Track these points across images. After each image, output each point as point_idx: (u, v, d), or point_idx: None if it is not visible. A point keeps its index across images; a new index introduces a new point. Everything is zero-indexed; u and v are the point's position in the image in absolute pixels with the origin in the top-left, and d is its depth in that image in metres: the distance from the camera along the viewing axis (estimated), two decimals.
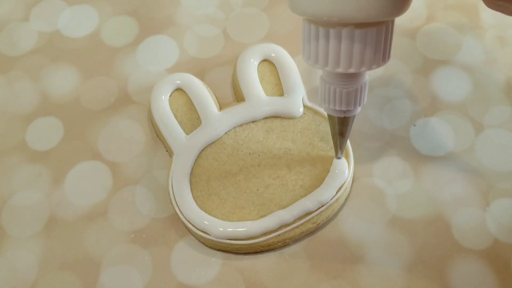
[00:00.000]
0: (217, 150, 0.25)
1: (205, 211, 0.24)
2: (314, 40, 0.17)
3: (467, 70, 0.28)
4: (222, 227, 0.23)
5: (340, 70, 0.17)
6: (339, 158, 0.24)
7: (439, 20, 0.30)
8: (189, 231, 0.24)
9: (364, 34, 0.16)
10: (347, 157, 0.25)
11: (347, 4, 0.15)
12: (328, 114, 0.21)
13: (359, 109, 0.20)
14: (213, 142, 0.25)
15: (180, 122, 0.26)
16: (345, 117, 0.20)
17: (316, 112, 0.26)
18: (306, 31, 0.17)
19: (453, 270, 0.23)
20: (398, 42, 0.29)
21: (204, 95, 0.26)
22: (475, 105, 0.27)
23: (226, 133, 0.25)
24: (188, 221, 0.23)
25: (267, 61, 0.27)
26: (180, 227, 0.24)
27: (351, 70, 0.17)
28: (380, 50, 0.17)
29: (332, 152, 0.25)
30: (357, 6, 0.15)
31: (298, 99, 0.26)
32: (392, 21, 0.17)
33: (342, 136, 0.22)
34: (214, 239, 0.23)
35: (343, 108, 0.19)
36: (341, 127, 0.21)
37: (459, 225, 0.24)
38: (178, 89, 0.27)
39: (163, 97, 0.26)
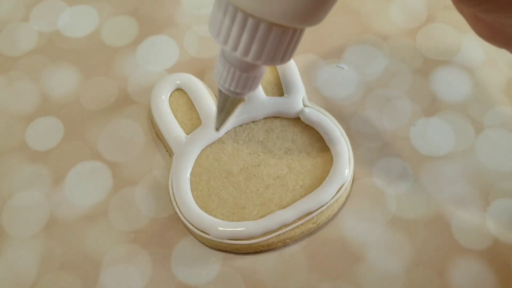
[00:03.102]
0: (217, 150, 0.25)
1: (205, 211, 0.24)
2: (228, 21, 0.16)
3: (467, 70, 0.28)
4: (222, 227, 0.23)
5: (248, 59, 0.17)
6: (217, 129, 0.23)
7: (439, 20, 0.30)
8: (189, 231, 0.24)
9: (280, 33, 0.16)
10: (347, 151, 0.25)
11: (274, 4, 0.15)
12: (219, 90, 0.21)
13: (249, 93, 0.20)
14: (213, 142, 0.25)
15: (180, 122, 0.26)
16: (234, 97, 0.21)
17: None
18: (221, 7, 0.17)
19: (453, 270, 0.23)
20: (398, 42, 0.29)
21: (204, 95, 0.26)
22: (475, 105, 0.27)
23: (226, 133, 0.25)
24: (188, 221, 0.23)
25: None
26: (180, 227, 0.24)
27: (259, 62, 0.17)
28: (289, 50, 0.17)
29: (332, 153, 0.25)
30: (284, 9, 0.15)
31: (298, 99, 0.26)
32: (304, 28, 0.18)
33: (227, 113, 0.22)
34: (214, 239, 0.23)
35: (238, 91, 0.19)
36: (227, 104, 0.21)
37: (459, 225, 0.24)
38: (178, 89, 0.27)
39: (163, 97, 0.26)
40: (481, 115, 0.27)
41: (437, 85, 0.28)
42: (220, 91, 0.21)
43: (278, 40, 0.16)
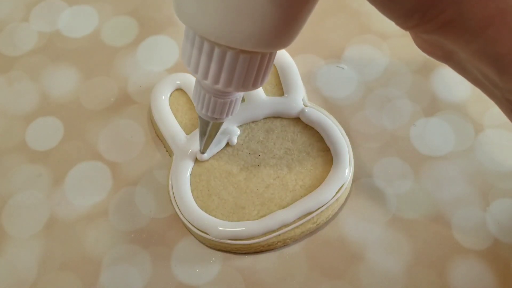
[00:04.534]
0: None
1: (205, 211, 0.24)
2: (196, 51, 0.16)
3: None
4: (222, 227, 0.23)
5: (219, 87, 0.17)
6: (202, 153, 0.24)
7: None
8: (189, 231, 0.24)
9: (248, 59, 0.16)
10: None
11: (237, 30, 0.15)
12: (199, 115, 0.21)
13: (228, 118, 0.21)
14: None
15: (180, 122, 0.26)
16: (214, 122, 0.21)
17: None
18: (189, 38, 0.17)
19: (453, 270, 0.23)
20: (398, 42, 0.29)
21: None
22: (475, 105, 0.27)
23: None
24: (188, 221, 0.23)
25: None
26: (180, 227, 0.24)
27: (230, 90, 0.17)
28: (260, 75, 0.17)
29: (332, 153, 0.25)
30: (247, 34, 0.15)
31: (298, 99, 0.26)
32: (275, 52, 0.17)
33: (209, 137, 0.23)
34: (214, 239, 0.23)
35: (215, 116, 0.20)
36: (209, 128, 0.22)
37: (459, 225, 0.24)
38: (178, 89, 0.27)
39: (163, 97, 0.26)
40: (481, 115, 0.27)
41: (437, 85, 0.28)
42: (200, 117, 0.21)
43: (247, 66, 0.16)
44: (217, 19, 0.15)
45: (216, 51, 0.16)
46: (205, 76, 0.17)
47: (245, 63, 0.16)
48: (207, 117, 0.20)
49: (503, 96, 0.16)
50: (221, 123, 0.22)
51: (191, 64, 0.17)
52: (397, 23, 0.15)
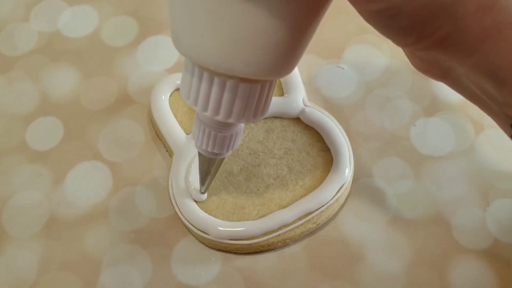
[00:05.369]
0: None
1: (205, 211, 0.24)
2: (196, 82, 0.16)
3: None
4: (222, 227, 0.23)
5: (219, 118, 0.17)
6: (202, 193, 0.24)
7: None
8: (189, 231, 0.24)
9: (248, 88, 0.16)
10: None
11: (236, 58, 0.15)
12: (198, 153, 0.21)
13: (229, 153, 0.20)
14: None
15: (180, 122, 0.26)
16: (214, 158, 0.20)
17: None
18: (189, 69, 0.16)
19: (453, 270, 0.23)
20: None
21: None
22: (475, 105, 0.27)
23: None
24: (188, 221, 0.23)
25: None
26: (180, 227, 0.24)
27: (230, 121, 0.17)
28: (260, 106, 0.17)
29: (332, 153, 0.25)
30: (246, 61, 0.15)
31: (298, 99, 0.26)
32: (275, 80, 0.17)
33: (209, 174, 0.22)
34: (214, 239, 0.23)
35: (216, 151, 0.19)
36: (209, 165, 0.21)
37: (459, 225, 0.24)
38: (178, 89, 0.27)
39: (163, 97, 0.26)
40: (481, 115, 0.27)
41: (437, 85, 0.28)
42: (199, 154, 0.21)
43: (247, 96, 0.16)
44: (215, 48, 0.15)
45: (216, 81, 0.16)
46: (205, 108, 0.16)
47: (245, 92, 0.16)
48: (208, 153, 0.20)
49: (501, 111, 0.16)
50: (222, 160, 0.21)
51: (190, 97, 0.17)
52: (395, 41, 0.15)
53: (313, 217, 0.23)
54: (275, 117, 0.26)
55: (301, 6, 0.14)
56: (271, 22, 0.14)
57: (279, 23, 0.14)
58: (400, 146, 0.26)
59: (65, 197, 0.25)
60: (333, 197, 0.24)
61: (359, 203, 0.25)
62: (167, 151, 0.26)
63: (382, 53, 0.29)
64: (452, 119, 0.27)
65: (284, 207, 0.24)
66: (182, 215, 0.24)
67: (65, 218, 0.25)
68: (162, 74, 0.28)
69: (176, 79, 0.27)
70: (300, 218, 0.23)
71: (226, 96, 0.16)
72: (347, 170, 0.24)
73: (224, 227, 0.23)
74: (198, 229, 0.23)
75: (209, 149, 0.19)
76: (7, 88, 0.29)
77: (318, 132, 0.25)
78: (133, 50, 0.29)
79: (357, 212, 0.25)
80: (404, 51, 0.18)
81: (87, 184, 0.26)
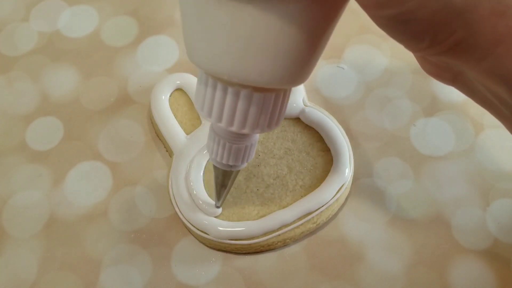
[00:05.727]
0: None
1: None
2: (210, 93, 0.16)
3: None
4: (222, 227, 0.23)
5: (233, 129, 0.16)
6: (217, 207, 0.23)
7: None
8: (189, 231, 0.24)
9: (262, 98, 0.16)
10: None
11: (250, 66, 0.15)
12: (214, 166, 0.20)
13: (244, 165, 0.20)
14: None
15: (180, 122, 0.26)
16: (229, 170, 0.20)
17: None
18: (202, 81, 0.16)
19: (453, 270, 0.23)
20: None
21: None
22: (475, 105, 0.27)
23: None
24: (188, 221, 0.23)
25: None
26: (180, 227, 0.24)
27: (245, 131, 0.17)
28: (275, 115, 0.17)
29: (332, 153, 0.25)
30: (260, 70, 0.15)
31: (298, 99, 0.26)
32: (290, 88, 0.17)
33: (224, 187, 0.21)
34: (214, 239, 0.23)
35: (230, 163, 0.19)
36: (224, 178, 0.21)
37: (459, 225, 0.24)
38: (178, 89, 0.27)
39: (163, 97, 0.26)
40: (481, 115, 0.27)
41: (437, 85, 0.28)
42: (214, 166, 0.20)
43: (261, 105, 0.16)
44: (229, 57, 0.15)
45: (230, 90, 0.16)
46: (219, 119, 0.16)
47: (259, 102, 0.16)
48: (223, 166, 0.20)
49: None
50: (237, 172, 0.21)
51: (204, 108, 0.17)
52: (408, 46, 0.15)
53: (313, 217, 0.23)
54: None
55: (317, 14, 0.14)
56: (285, 30, 0.14)
57: (294, 31, 0.14)
58: (400, 146, 0.26)
59: (65, 197, 0.25)
60: (333, 197, 0.24)
61: (359, 203, 0.25)
62: (167, 151, 0.26)
63: (382, 53, 0.29)
64: (452, 119, 0.27)
65: (284, 207, 0.24)
66: (182, 215, 0.24)
67: (65, 218, 0.25)
68: (162, 74, 0.28)
69: (176, 79, 0.27)
70: (300, 218, 0.23)
71: (240, 106, 0.16)
72: (347, 170, 0.24)
73: (224, 227, 0.23)
74: (198, 229, 0.23)
75: (224, 161, 0.19)
76: (7, 88, 0.29)
77: (318, 132, 0.25)
78: (133, 50, 0.29)
79: (357, 212, 0.25)
80: (414, 55, 0.18)
81: (87, 184, 0.26)
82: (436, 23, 0.14)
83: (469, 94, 0.18)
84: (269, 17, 0.14)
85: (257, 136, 0.19)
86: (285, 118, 0.26)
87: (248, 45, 0.14)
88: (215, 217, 0.23)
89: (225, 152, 0.19)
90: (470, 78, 0.16)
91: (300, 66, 0.15)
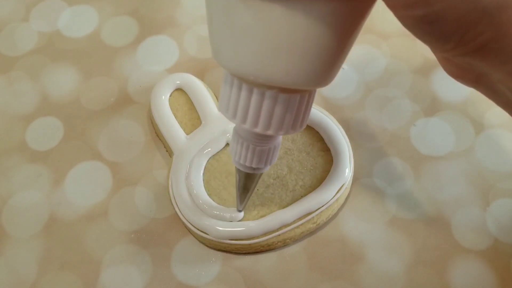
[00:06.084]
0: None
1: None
2: (235, 94, 0.16)
3: None
4: (222, 227, 0.23)
5: (258, 130, 0.16)
6: (239, 211, 0.23)
7: None
8: (189, 231, 0.24)
9: (287, 99, 0.16)
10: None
11: (276, 67, 0.15)
12: (236, 168, 0.20)
13: (267, 167, 0.20)
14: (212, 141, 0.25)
15: (180, 122, 0.26)
16: (253, 173, 0.20)
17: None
18: (227, 82, 0.16)
19: (453, 270, 0.23)
20: (398, 42, 0.29)
21: (204, 95, 0.26)
22: (475, 105, 0.27)
23: (227, 135, 0.25)
24: (188, 221, 0.23)
25: None
26: (180, 227, 0.24)
27: (269, 133, 0.17)
28: (300, 117, 0.17)
29: (332, 153, 0.25)
30: (286, 70, 0.15)
31: None
32: (315, 90, 0.17)
33: (247, 190, 0.21)
34: (214, 239, 0.23)
35: (254, 165, 0.19)
36: (246, 181, 0.21)
37: (459, 225, 0.24)
38: (178, 89, 0.27)
39: (163, 97, 0.26)
40: (481, 115, 0.27)
41: (437, 85, 0.28)
42: (237, 169, 0.20)
43: (286, 107, 0.16)
44: (255, 58, 0.15)
45: (255, 91, 0.16)
46: (244, 120, 0.16)
47: (284, 103, 0.16)
48: (246, 168, 0.20)
49: None
50: (260, 175, 0.21)
51: (229, 110, 0.17)
52: (434, 47, 0.15)
53: (313, 217, 0.23)
54: None
55: (345, 15, 0.14)
56: (313, 30, 0.14)
57: (321, 31, 0.14)
58: (400, 146, 0.26)
59: (65, 197, 0.25)
60: (333, 197, 0.24)
61: (359, 203, 0.25)
62: (167, 151, 0.26)
63: (382, 53, 0.29)
64: (452, 119, 0.27)
65: (284, 207, 0.24)
66: (182, 215, 0.24)
67: (65, 218, 0.25)
68: (162, 74, 0.28)
69: (176, 79, 0.27)
70: (300, 218, 0.23)
71: (265, 107, 0.16)
72: (347, 170, 0.24)
73: (224, 227, 0.23)
74: (198, 229, 0.23)
75: (247, 164, 0.19)
76: (7, 88, 0.29)
77: (318, 132, 0.25)
78: (133, 50, 0.29)
79: (357, 212, 0.25)
80: (436, 56, 0.17)
81: (87, 184, 0.26)
82: (464, 24, 0.14)
83: (492, 96, 0.18)
84: (296, 17, 0.13)
85: (281, 138, 0.19)
86: None
87: (275, 45, 0.14)
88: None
89: (249, 154, 0.19)
90: (494, 80, 0.16)
91: (326, 67, 0.15)
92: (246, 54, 0.15)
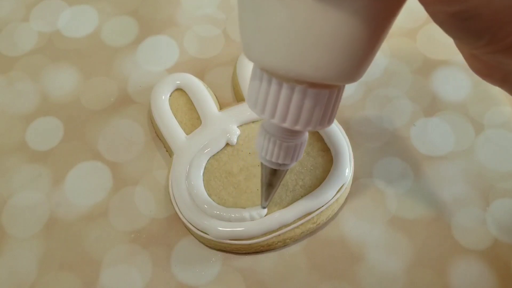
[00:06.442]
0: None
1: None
2: (264, 89, 0.16)
3: (467, 70, 0.28)
4: (222, 227, 0.23)
5: (286, 125, 0.16)
6: (263, 207, 0.23)
7: None
8: (189, 231, 0.24)
9: (316, 94, 0.16)
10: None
11: (306, 61, 0.15)
12: (261, 164, 0.20)
13: (293, 164, 0.20)
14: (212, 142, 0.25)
15: (180, 122, 0.26)
16: (278, 169, 0.20)
17: None
18: (257, 76, 0.16)
19: (453, 270, 0.23)
20: (398, 42, 0.29)
21: (204, 95, 0.26)
22: (475, 105, 0.27)
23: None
24: (188, 221, 0.23)
25: None
26: (180, 227, 0.24)
27: (297, 128, 0.17)
28: (328, 113, 0.17)
29: (332, 153, 0.25)
30: (316, 65, 0.15)
31: None
32: (344, 86, 0.17)
33: (272, 187, 0.21)
34: (214, 239, 0.23)
35: (280, 161, 0.19)
36: (272, 178, 0.21)
37: (459, 225, 0.24)
38: (178, 89, 0.27)
39: (163, 97, 0.26)
40: (481, 115, 0.27)
41: (437, 85, 0.28)
42: (263, 165, 0.20)
43: (315, 102, 0.16)
44: (286, 52, 0.15)
45: (285, 86, 0.16)
46: (272, 115, 0.16)
47: (313, 98, 0.16)
48: (272, 164, 0.20)
49: None
50: (286, 172, 0.21)
51: (257, 105, 0.17)
52: (465, 43, 0.15)
53: (313, 217, 0.23)
54: None
55: (379, 9, 0.14)
56: (345, 24, 0.14)
57: (354, 25, 0.14)
58: (400, 146, 0.26)
59: (65, 197, 0.25)
60: (333, 197, 0.24)
61: (359, 203, 0.25)
62: (167, 151, 0.26)
63: (382, 53, 0.29)
64: (452, 119, 0.27)
65: (284, 207, 0.24)
66: (182, 215, 0.24)
67: (65, 218, 0.25)
68: (162, 74, 0.28)
69: (176, 79, 0.27)
70: (300, 218, 0.23)
71: (294, 102, 0.16)
72: (347, 170, 0.24)
73: (224, 227, 0.23)
74: (198, 229, 0.23)
75: (273, 159, 0.19)
76: (7, 88, 0.29)
77: (318, 132, 0.25)
78: (133, 50, 0.29)
79: (357, 212, 0.25)
80: (463, 52, 0.17)
81: (87, 184, 0.26)
82: (499, 20, 0.14)
83: None
84: (329, 11, 0.13)
85: (307, 135, 0.19)
86: None
87: (306, 39, 0.14)
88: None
89: (276, 149, 0.19)
90: None
91: (357, 62, 0.15)
92: (277, 48, 0.15)
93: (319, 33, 0.14)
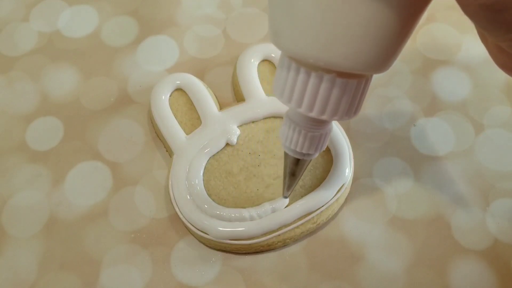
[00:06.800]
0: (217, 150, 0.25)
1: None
2: (292, 78, 0.16)
3: (467, 70, 0.28)
4: (222, 227, 0.23)
5: (313, 114, 0.16)
6: (285, 197, 0.23)
7: (439, 20, 0.30)
8: (189, 231, 0.24)
9: (345, 84, 0.16)
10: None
11: (336, 50, 0.15)
12: (285, 153, 0.20)
13: (316, 154, 0.20)
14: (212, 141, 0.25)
15: (180, 122, 0.26)
16: (302, 159, 0.20)
17: None
18: (284, 65, 0.16)
19: (453, 270, 0.23)
20: None
21: (204, 95, 0.26)
22: (475, 105, 0.27)
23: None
24: (188, 221, 0.23)
25: (267, 61, 0.27)
26: (180, 227, 0.24)
27: (324, 117, 0.16)
28: (355, 103, 0.17)
29: (332, 153, 0.25)
30: (345, 54, 0.15)
31: None
32: (371, 76, 0.17)
33: (295, 176, 0.21)
34: (214, 239, 0.23)
35: (304, 151, 0.19)
36: (295, 167, 0.21)
37: (459, 225, 0.24)
38: (178, 89, 0.27)
39: (163, 97, 0.26)
40: (481, 115, 0.27)
41: (437, 85, 0.28)
42: (286, 154, 0.20)
43: (342, 92, 0.16)
44: (315, 40, 0.15)
45: (313, 75, 0.16)
46: (300, 104, 0.16)
47: (341, 87, 0.16)
48: (296, 154, 0.20)
49: None
50: (309, 162, 0.21)
51: (284, 93, 0.17)
52: (495, 35, 0.15)
53: (313, 217, 0.23)
54: (275, 117, 0.26)
55: None
56: (376, 13, 0.14)
57: (385, 15, 0.14)
58: (400, 146, 0.26)
59: (65, 197, 0.25)
60: (333, 197, 0.24)
61: (359, 203, 0.25)
62: (167, 151, 0.26)
63: None
64: (452, 119, 0.27)
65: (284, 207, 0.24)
66: (182, 215, 0.24)
67: (65, 218, 0.25)
68: (162, 74, 0.28)
69: (176, 79, 0.27)
70: (300, 218, 0.23)
71: (322, 91, 0.16)
72: (347, 170, 0.24)
73: (224, 227, 0.23)
74: (198, 229, 0.23)
75: (298, 149, 0.19)
76: (7, 88, 0.29)
77: None
78: (133, 50, 0.29)
79: (357, 212, 0.25)
80: (487, 46, 0.17)
81: (87, 184, 0.26)
82: None
83: None
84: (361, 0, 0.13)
85: (332, 125, 0.19)
86: None
87: (336, 28, 0.14)
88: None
89: (300, 139, 0.19)
90: None
91: (387, 52, 0.15)
92: (307, 37, 0.15)
93: (351, 21, 0.14)
